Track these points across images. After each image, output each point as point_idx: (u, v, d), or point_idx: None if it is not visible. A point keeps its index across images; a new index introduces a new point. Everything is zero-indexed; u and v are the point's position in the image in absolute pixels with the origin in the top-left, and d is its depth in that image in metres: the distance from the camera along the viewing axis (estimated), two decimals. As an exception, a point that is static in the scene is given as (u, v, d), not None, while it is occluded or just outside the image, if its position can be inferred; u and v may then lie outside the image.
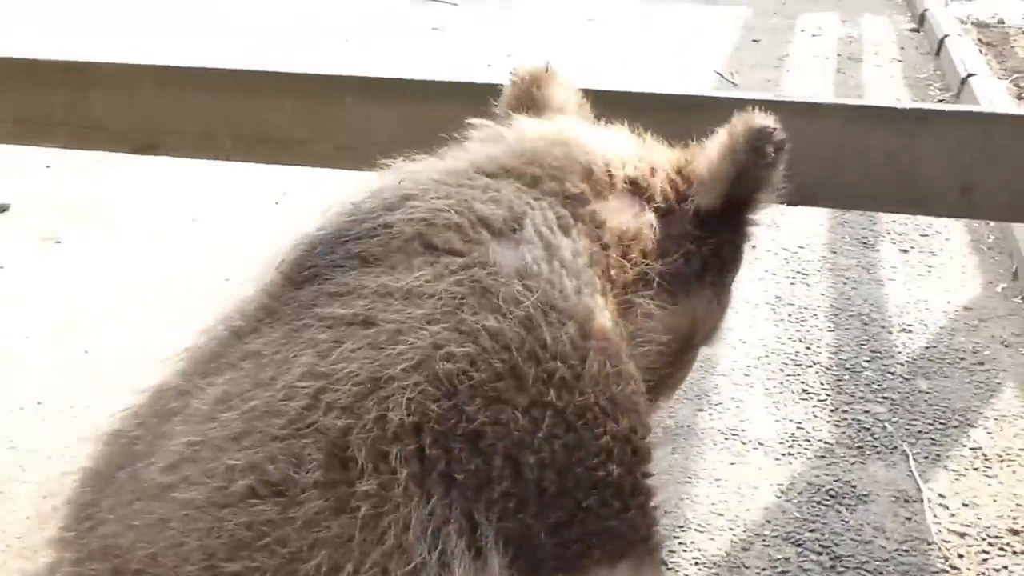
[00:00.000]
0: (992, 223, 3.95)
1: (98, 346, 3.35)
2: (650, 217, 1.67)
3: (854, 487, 2.57)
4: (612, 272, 1.59)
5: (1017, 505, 2.49)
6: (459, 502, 1.37)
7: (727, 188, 1.67)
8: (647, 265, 1.63)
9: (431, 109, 2.09)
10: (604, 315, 1.52)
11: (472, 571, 1.39)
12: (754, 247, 4.00)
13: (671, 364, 1.81)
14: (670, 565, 2.32)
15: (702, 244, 1.70)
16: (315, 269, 1.52)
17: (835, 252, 3.87)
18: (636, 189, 1.68)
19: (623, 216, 1.64)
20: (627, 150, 1.74)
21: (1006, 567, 2.30)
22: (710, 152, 1.70)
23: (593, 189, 1.65)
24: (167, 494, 1.30)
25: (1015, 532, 2.40)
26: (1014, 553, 2.34)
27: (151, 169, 4.44)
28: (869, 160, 2.01)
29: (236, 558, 1.26)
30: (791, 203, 1.95)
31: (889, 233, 3.99)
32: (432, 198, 1.56)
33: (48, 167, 4.91)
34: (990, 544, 2.37)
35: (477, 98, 1.89)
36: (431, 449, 1.34)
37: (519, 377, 1.39)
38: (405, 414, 1.32)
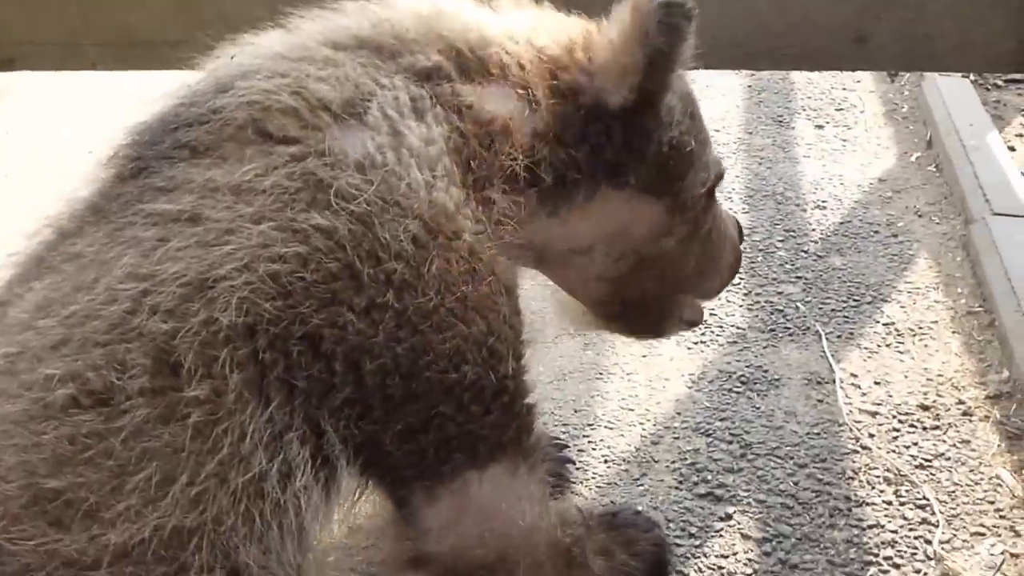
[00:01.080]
0: (906, 91, 3.86)
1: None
2: (521, 107, 1.52)
3: (766, 372, 2.51)
4: (473, 164, 1.45)
5: (928, 380, 2.45)
6: (302, 409, 1.29)
7: (639, 80, 1.50)
8: (514, 160, 1.49)
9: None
10: (462, 211, 1.40)
11: (316, 480, 1.32)
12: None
13: (632, 272, 1.70)
14: (578, 464, 2.26)
15: (598, 141, 1.55)
16: (143, 161, 1.39)
17: (751, 133, 3.77)
18: (510, 75, 1.51)
19: (490, 103, 1.48)
20: (509, 30, 1.55)
21: (916, 443, 2.26)
22: (612, 38, 1.51)
23: (458, 69, 1.49)
24: None
25: (925, 408, 2.36)
26: (924, 429, 2.30)
27: (33, 102, 4.20)
28: (759, 15, 1.90)
29: (58, 473, 1.18)
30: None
31: (804, 110, 3.89)
32: (267, 77, 1.41)
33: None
34: (900, 421, 2.32)
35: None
36: (266, 353, 1.26)
37: (355, 277, 1.29)
38: (235, 316, 1.23)
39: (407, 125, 1.38)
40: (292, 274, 1.26)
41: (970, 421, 2.31)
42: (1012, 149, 3.40)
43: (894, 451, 2.24)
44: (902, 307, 2.72)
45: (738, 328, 2.69)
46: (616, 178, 1.58)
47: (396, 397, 1.32)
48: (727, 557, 2.01)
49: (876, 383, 2.45)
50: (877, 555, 2.00)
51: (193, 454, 1.22)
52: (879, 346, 2.58)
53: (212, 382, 1.23)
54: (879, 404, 2.38)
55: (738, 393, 2.44)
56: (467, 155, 1.43)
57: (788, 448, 2.26)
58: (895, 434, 2.29)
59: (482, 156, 1.45)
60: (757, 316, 2.72)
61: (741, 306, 2.77)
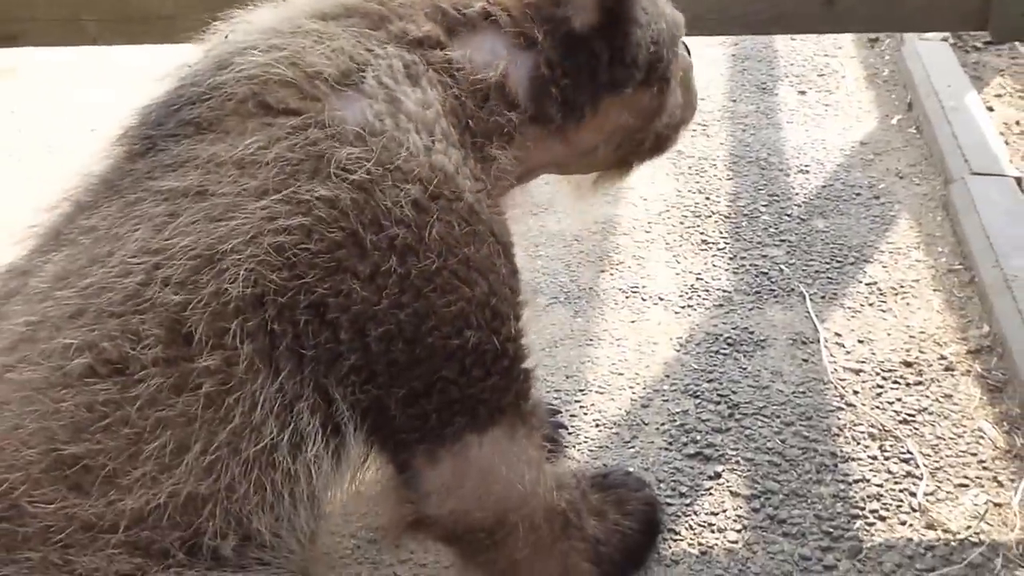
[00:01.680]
0: (887, 56, 3.89)
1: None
2: (515, 54, 1.56)
3: (752, 333, 2.55)
4: (471, 123, 1.49)
5: (910, 337, 2.50)
6: (311, 378, 1.33)
7: (599, 1, 1.56)
8: (510, 112, 1.54)
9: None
10: (462, 171, 1.43)
11: (327, 449, 1.36)
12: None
13: (633, 147, 1.82)
14: (571, 429, 2.30)
15: (591, 65, 1.60)
16: (151, 140, 1.43)
17: (735, 100, 3.80)
18: (499, 24, 1.55)
19: (482, 58, 1.52)
20: None
21: (899, 399, 2.31)
22: None
23: (447, 31, 1.53)
24: (5, 376, 1.25)
25: (908, 364, 2.41)
26: (907, 385, 2.35)
27: (35, 80, 4.20)
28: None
29: (77, 440, 1.22)
30: None
31: (787, 76, 3.92)
32: (263, 51, 1.45)
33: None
34: (884, 378, 2.38)
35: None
36: (275, 323, 1.29)
37: (358, 244, 1.32)
38: (243, 287, 1.27)
39: (403, 91, 1.42)
40: (297, 245, 1.29)
41: (952, 376, 2.37)
42: (991, 109, 3.43)
43: (878, 407, 2.29)
44: (884, 267, 2.77)
45: (724, 291, 2.73)
46: (616, 88, 1.65)
47: (401, 362, 1.35)
48: (717, 514, 2.06)
49: (860, 341, 2.50)
50: (863, 508, 2.05)
51: (206, 423, 1.25)
52: (862, 305, 2.62)
53: (223, 352, 1.26)
54: (863, 362, 2.43)
55: (725, 355, 2.49)
56: (464, 115, 1.48)
57: (774, 407, 2.31)
58: (879, 390, 2.34)
59: (478, 115, 1.49)
60: (742, 279, 2.77)
61: (727, 270, 2.81)
